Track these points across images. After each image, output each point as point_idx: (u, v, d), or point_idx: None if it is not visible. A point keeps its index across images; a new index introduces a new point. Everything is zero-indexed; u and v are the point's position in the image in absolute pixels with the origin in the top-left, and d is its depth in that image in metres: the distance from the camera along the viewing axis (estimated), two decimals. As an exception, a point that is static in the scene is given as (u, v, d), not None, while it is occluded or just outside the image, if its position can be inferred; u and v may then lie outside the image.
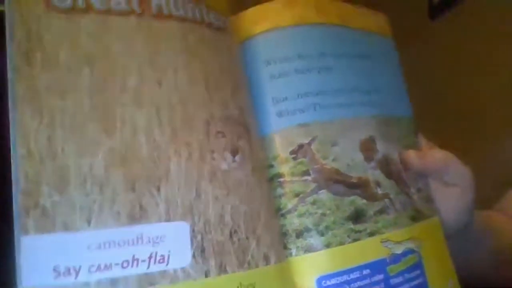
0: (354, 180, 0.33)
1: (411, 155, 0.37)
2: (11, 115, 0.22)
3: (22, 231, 0.21)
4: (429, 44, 1.31)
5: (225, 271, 0.26)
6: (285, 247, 0.30)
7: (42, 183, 0.22)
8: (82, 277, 0.22)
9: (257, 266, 0.27)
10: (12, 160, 0.22)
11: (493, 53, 1.12)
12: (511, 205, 0.50)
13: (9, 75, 0.22)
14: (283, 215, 0.31)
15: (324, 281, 0.30)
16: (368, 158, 0.34)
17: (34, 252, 0.21)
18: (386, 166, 0.35)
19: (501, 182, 0.54)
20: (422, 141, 0.39)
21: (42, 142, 0.23)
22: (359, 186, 0.33)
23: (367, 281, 0.31)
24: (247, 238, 0.27)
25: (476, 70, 1.17)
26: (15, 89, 0.22)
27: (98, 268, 0.22)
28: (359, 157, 0.34)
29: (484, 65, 1.15)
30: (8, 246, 0.21)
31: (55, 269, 0.22)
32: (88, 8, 0.25)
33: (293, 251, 0.30)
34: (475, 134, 1.15)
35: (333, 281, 0.30)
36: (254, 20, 0.34)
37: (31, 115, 0.22)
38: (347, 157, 0.33)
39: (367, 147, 0.35)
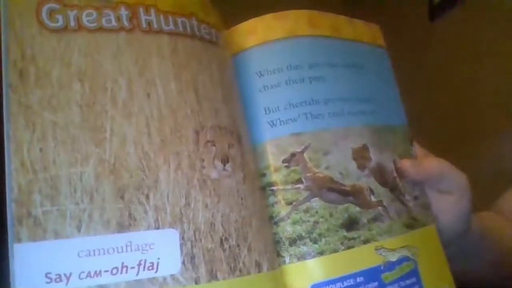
0: (348, 188, 0.33)
1: (406, 164, 0.37)
2: (5, 128, 0.23)
3: (15, 239, 0.22)
4: (429, 44, 1.31)
5: (216, 278, 0.26)
6: (278, 255, 0.31)
7: (34, 193, 0.23)
8: (73, 283, 0.23)
9: (249, 273, 0.28)
10: (6, 171, 0.23)
11: (493, 53, 1.12)
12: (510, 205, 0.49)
13: (4, 91, 0.24)
14: (276, 223, 0.31)
15: (317, 289, 0.30)
16: (361, 166, 0.35)
17: (26, 259, 0.22)
18: (380, 174, 0.35)
19: (500, 180, 0.53)
20: (417, 149, 0.39)
21: (35, 153, 0.24)
22: (353, 194, 0.33)
23: (361, 288, 0.31)
24: (238, 245, 0.28)
25: (476, 70, 1.16)
26: (9, 104, 0.24)
27: (88, 274, 0.23)
28: (352, 165, 0.34)
29: (484, 65, 1.14)
30: (1, 253, 0.22)
31: (47, 276, 0.22)
32: (79, 27, 0.26)
33: (286, 258, 0.31)
34: (474, 133, 1.14)
35: (327, 289, 0.30)
36: (246, 34, 0.35)
37: (24, 128, 0.24)
38: (340, 165, 0.34)
39: (360, 155, 0.35)
